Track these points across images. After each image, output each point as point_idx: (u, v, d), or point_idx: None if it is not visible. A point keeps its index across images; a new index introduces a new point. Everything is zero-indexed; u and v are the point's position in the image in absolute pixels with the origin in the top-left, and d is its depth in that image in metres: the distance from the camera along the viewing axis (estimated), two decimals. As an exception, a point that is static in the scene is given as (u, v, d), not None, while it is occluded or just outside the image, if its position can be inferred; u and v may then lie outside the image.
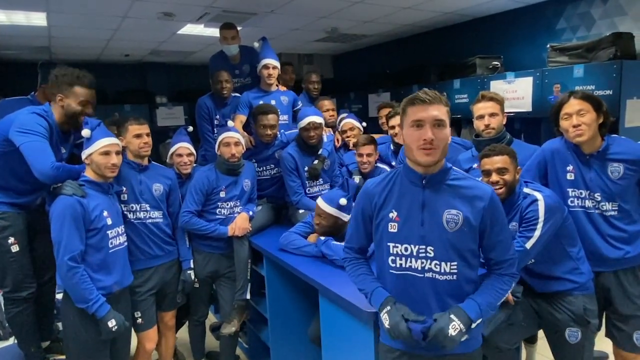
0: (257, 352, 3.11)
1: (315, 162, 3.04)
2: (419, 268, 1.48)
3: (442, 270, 1.46)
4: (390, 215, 1.52)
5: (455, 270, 1.46)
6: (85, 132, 2.17)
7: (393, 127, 3.01)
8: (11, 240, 2.47)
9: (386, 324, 1.48)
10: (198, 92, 4.12)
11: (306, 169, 3.05)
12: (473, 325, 1.44)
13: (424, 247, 1.47)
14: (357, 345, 1.86)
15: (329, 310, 2.05)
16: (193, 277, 2.68)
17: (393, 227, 1.51)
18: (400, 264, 1.50)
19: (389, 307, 1.49)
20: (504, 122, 2.43)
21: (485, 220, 1.45)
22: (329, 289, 1.98)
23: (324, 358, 2.16)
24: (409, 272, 1.50)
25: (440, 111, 1.41)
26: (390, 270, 1.53)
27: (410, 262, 1.49)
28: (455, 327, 1.40)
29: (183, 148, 2.83)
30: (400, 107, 1.52)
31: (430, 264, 1.47)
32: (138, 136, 2.41)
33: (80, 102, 2.35)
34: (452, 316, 1.42)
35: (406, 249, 1.49)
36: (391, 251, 1.52)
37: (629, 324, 2.11)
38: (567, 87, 3.34)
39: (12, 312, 2.55)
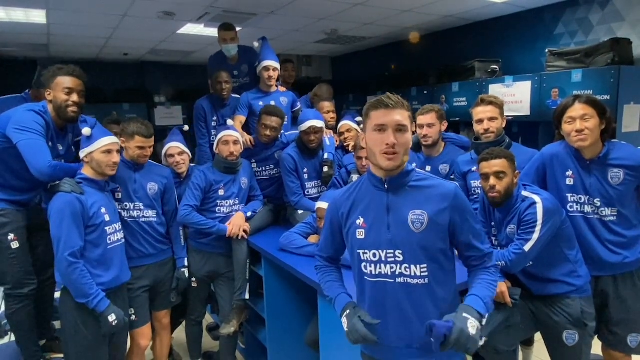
0: (254, 352, 3.10)
1: (326, 169, 3.03)
2: (389, 273, 1.45)
3: (413, 274, 1.43)
4: (357, 222, 1.50)
5: (426, 273, 1.43)
6: (86, 131, 2.20)
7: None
8: (11, 236, 2.46)
9: (345, 327, 1.47)
10: (196, 92, 4.12)
11: (320, 175, 3.05)
12: (483, 322, 1.38)
13: (392, 251, 1.44)
14: (356, 347, 1.86)
15: (328, 311, 2.05)
16: (187, 275, 2.69)
17: (360, 234, 1.49)
18: (371, 271, 1.48)
19: (348, 311, 1.48)
20: (504, 126, 2.44)
21: (454, 218, 1.43)
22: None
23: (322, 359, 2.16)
24: (381, 279, 1.47)
25: (402, 116, 1.40)
26: (366, 277, 1.51)
27: (380, 268, 1.46)
28: (472, 324, 1.32)
29: (173, 148, 2.81)
30: (363, 110, 1.49)
31: (400, 268, 1.44)
32: (141, 148, 2.44)
33: (64, 91, 2.31)
34: (465, 315, 1.34)
35: (374, 255, 1.47)
36: (362, 258, 1.49)
37: (624, 327, 2.13)
38: (565, 92, 3.37)
39: (13, 309, 2.54)
